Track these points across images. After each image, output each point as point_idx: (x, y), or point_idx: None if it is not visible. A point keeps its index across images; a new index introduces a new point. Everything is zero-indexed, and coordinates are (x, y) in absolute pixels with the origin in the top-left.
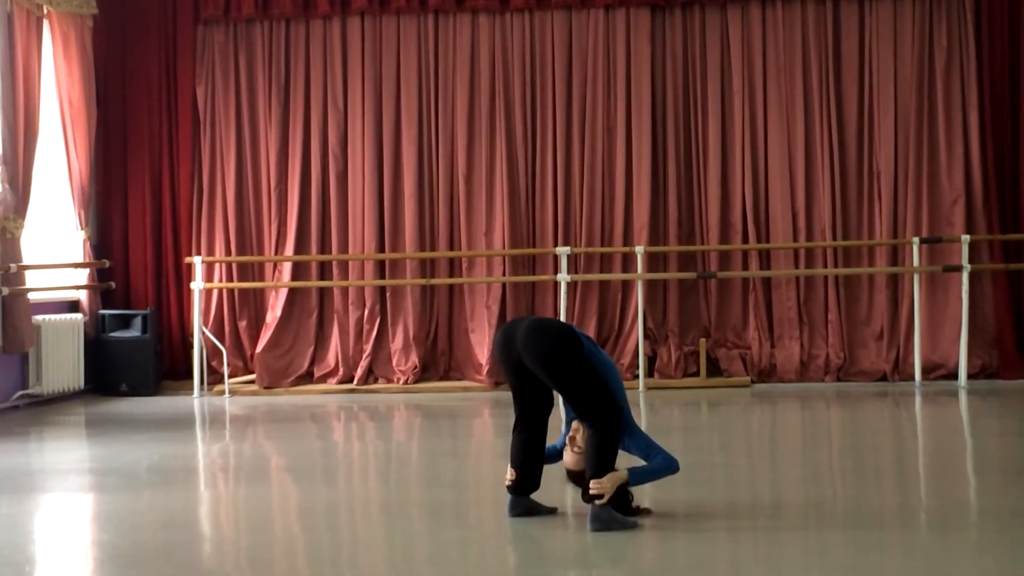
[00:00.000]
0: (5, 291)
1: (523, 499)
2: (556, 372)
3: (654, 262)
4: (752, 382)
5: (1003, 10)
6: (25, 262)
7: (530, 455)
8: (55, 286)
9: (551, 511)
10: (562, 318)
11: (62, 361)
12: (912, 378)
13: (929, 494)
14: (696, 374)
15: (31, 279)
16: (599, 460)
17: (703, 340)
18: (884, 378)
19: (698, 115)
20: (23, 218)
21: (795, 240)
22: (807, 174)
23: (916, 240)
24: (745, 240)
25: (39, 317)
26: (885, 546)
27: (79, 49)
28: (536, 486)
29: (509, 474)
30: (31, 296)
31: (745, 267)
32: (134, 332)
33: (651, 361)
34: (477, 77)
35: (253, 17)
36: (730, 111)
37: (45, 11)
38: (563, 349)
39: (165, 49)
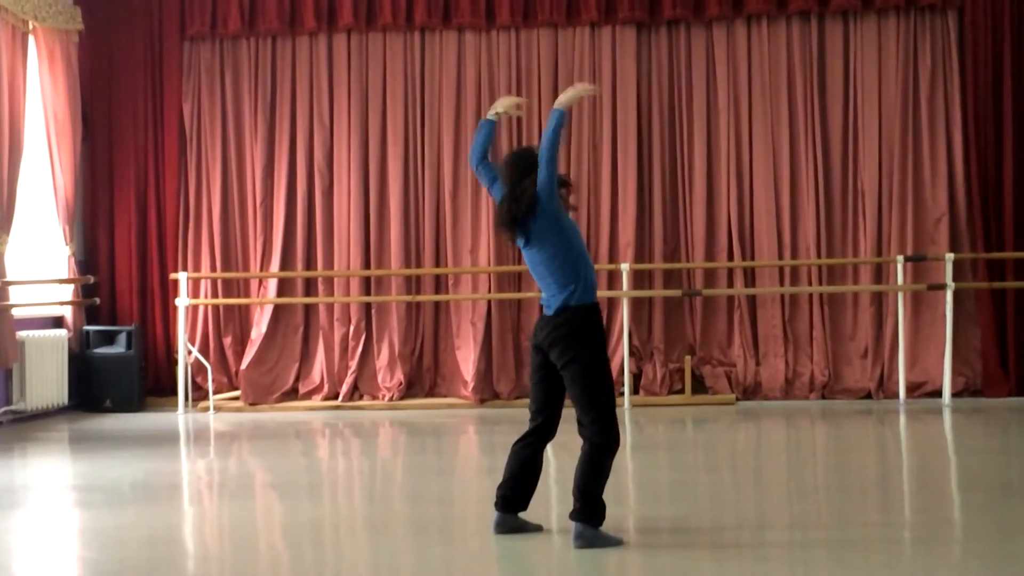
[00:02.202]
0: None
1: (510, 517)
2: (569, 349)
3: (639, 279)
4: (737, 399)
5: (986, 29)
6: (9, 278)
7: (527, 473)
8: (40, 302)
9: (537, 528)
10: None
11: (46, 377)
12: (896, 396)
13: (913, 511)
14: (681, 391)
15: (15, 295)
16: (585, 480)
17: (688, 357)
18: (869, 396)
19: (683, 133)
20: (7, 233)
21: (780, 258)
22: (792, 192)
23: (900, 258)
24: (730, 258)
25: (23, 333)
26: (869, 564)
27: (65, 64)
28: (525, 506)
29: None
30: (15, 312)
31: (730, 285)
32: (119, 348)
33: (636, 378)
34: (463, 94)
35: (239, 34)
36: (715, 129)
37: (31, 26)
38: (584, 328)
39: (151, 65)
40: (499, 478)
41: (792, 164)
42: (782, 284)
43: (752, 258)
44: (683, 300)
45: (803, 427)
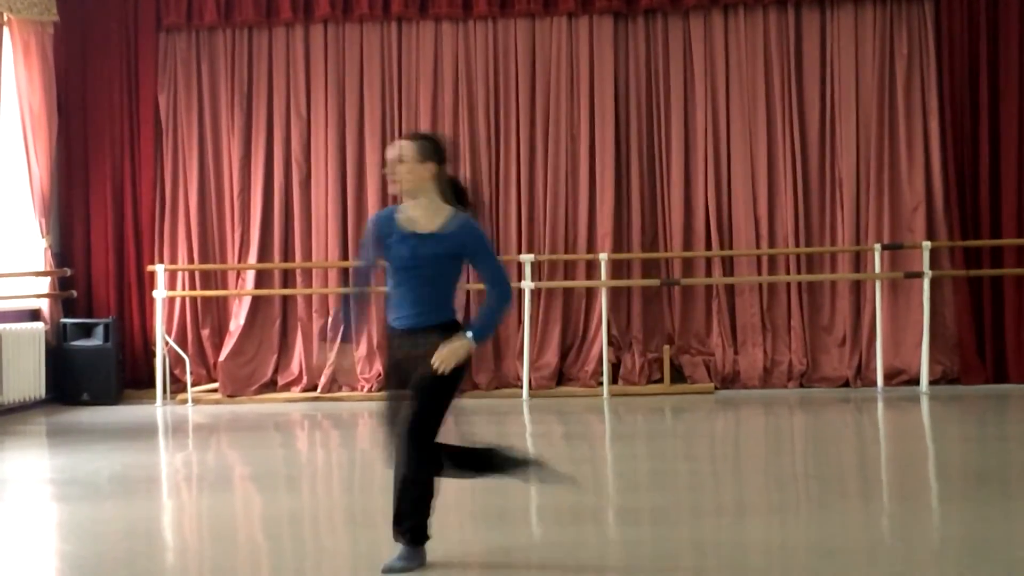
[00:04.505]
0: None
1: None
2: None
3: (618, 269)
4: (716, 388)
5: (962, 18)
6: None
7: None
8: (16, 295)
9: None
10: (526, 326)
11: (23, 370)
12: (874, 384)
13: (891, 498)
14: (660, 381)
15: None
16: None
17: (667, 347)
18: (847, 384)
19: (661, 122)
20: None
21: (758, 247)
22: (770, 181)
23: (878, 247)
24: (708, 247)
25: (0, 326)
26: (848, 550)
27: (40, 56)
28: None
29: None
30: None
31: (708, 274)
32: (96, 341)
33: (615, 368)
34: (440, 84)
35: (215, 25)
36: (693, 118)
37: (5, 18)
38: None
39: (127, 56)
40: None
41: (770, 153)
42: (760, 273)
43: (730, 247)
44: (661, 289)
45: (781, 415)
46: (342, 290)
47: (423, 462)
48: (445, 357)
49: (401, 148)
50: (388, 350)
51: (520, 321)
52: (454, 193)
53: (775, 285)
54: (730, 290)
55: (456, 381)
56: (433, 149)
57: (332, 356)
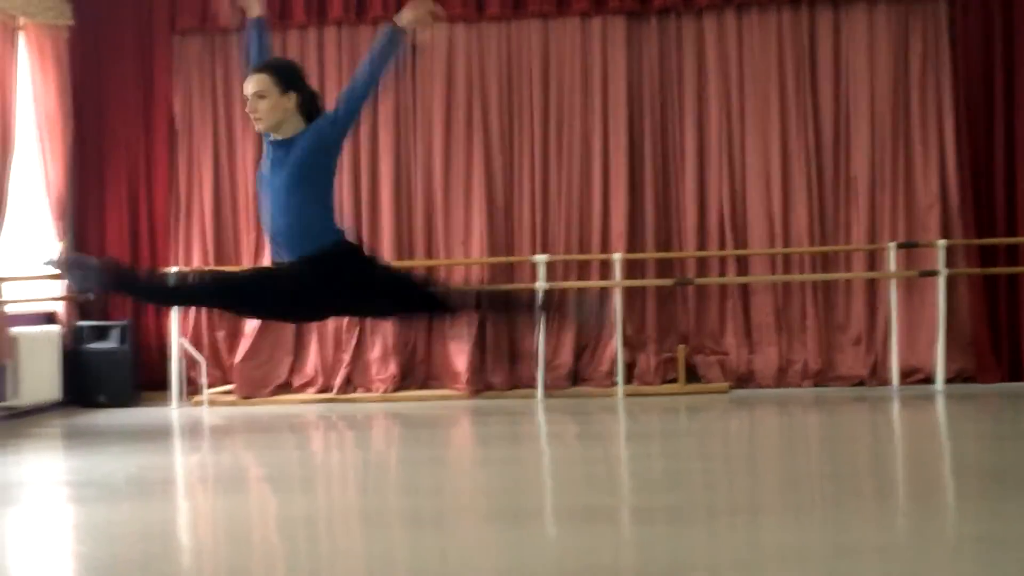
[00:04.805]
0: None
1: None
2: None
3: (632, 269)
4: (730, 388)
5: (977, 17)
6: (1, 274)
7: None
8: (32, 298)
9: None
10: (541, 326)
11: (39, 373)
12: (889, 383)
13: (907, 497)
14: (675, 380)
15: (7, 291)
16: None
17: (681, 347)
18: (862, 383)
19: (675, 121)
20: None
21: (772, 246)
22: (784, 180)
23: (893, 245)
24: (722, 246)
25: (16, 329)
26: (863, 549)
27: (55, 60)
28: None
29: None
30: (7, 308)
31: (723, 273)
32: (112, 343)
33: (630, 368)
34: (453, 85)
35: (229, 27)
36: (707, 117)
37: (20, 22)
38: None
39: (141, 60)
40: (494, 469)
41: (784, 152)
42: (774, 272)
43: (744, 246)
44: (676, 289)
45: (796, 415)
46: None
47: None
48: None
49: (259, 81)
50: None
51: (535, 323)
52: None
53: (790, 284)
54: (744, 289)
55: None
56: (294, 75)
57: None
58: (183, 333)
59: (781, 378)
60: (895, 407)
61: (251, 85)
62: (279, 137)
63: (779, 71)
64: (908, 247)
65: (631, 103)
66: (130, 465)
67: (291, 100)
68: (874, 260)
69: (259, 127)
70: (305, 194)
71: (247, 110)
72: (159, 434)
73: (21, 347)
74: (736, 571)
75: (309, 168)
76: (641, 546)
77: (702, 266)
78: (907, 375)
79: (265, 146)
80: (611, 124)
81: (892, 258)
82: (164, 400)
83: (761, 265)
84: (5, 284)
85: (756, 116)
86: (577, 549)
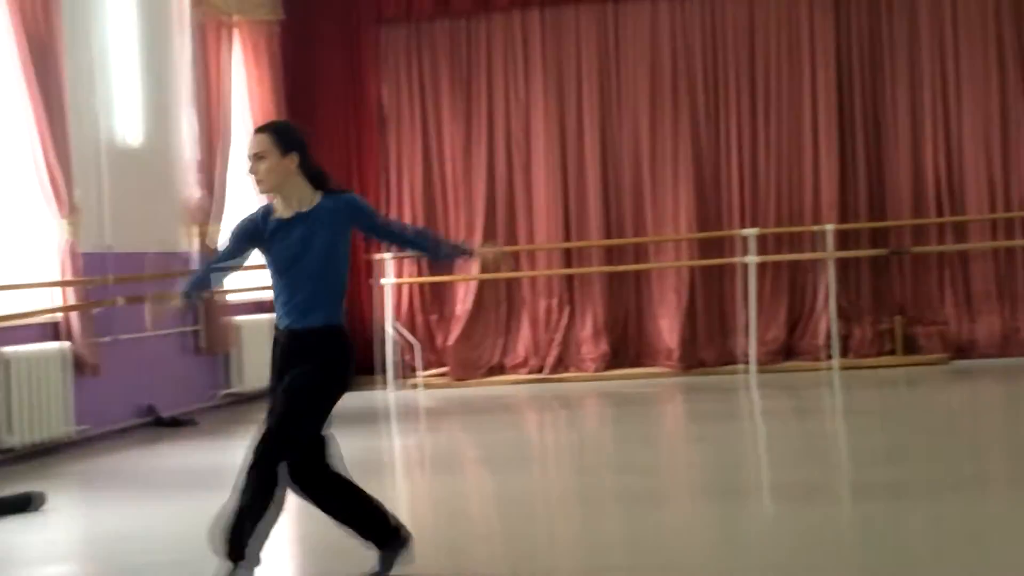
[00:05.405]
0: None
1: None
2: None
3: (844, 240)
4: (950, 359)
5: None
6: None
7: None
8: (252, 287)
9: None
10: (752, 300)
11: (261, 360)
12: None
13: None
14: (892, 352)
15: (230, 282)
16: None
17: (898, 317)
18: None
19: (885, 86)
20: (219, 223)
21: (992, 211)
22: (1003, 142)
23: None
24: (939, 213)
25: (237, 318)
26: None
27: (267, 55)
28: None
29: None
30: (229, 298)
31: (940, 241)
32: None
33: (844, 341)
34: (657, 62)
35: (433, 15)
36: (919, 81)
37: (234, 20)
38: None
39: (348, 51)
40: (708, 446)
41: (1003, 113)
42: (995, 238)
43: (962, 213)
44: (891, 259)
45: (1021, 385)
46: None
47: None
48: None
49: (259, 143)
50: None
51: (745, 296)
52: (321, 181)
53: (1012, 250)
54: (963, 257)
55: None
56: (293, 137)
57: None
58: (396, 317)
59: (1005, 347)
60: None
61: (251, 146)
62: (292, 211)
63: (996, 24)
64: None
65: (839, 69)
66: (350, 448)
67: (292, 161)
68: None
69: (259, 189)
70: (340, 261)
71: (247, 171)
72: (377, 417)
73: (243, 335)
74: (962, 546)
75: (343, 235)
76: (863, 522)
77: (918, 234)
78: None
79: (274, 227)
80: (819, 93)
81: None
82: (380, 384)
83: (980, 232)
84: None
85: (971, 73)
86: (796, 525)
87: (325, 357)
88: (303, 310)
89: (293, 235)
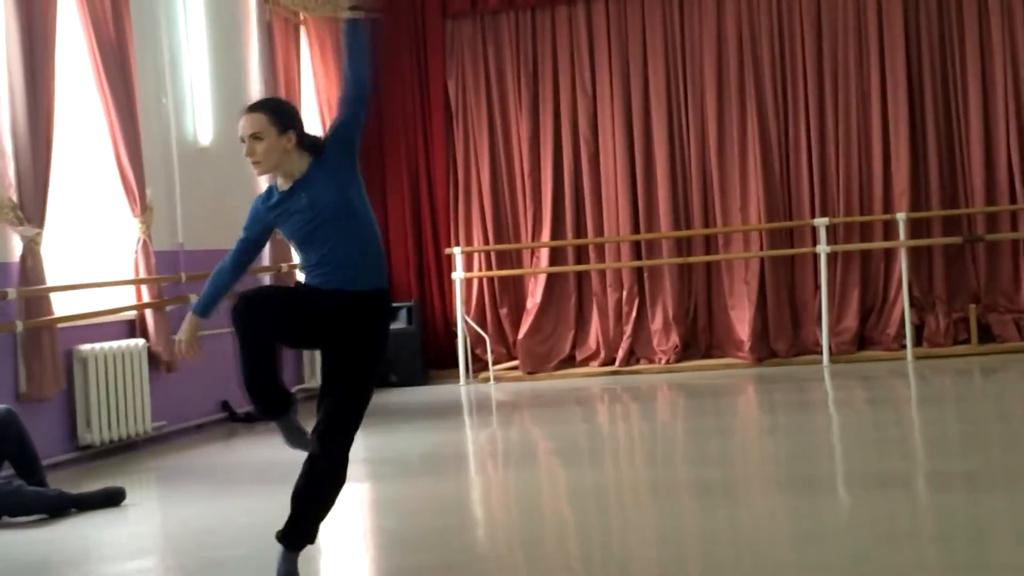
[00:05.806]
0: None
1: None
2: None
3: (917, 228)
4: None
5: None
6: (295, 261)
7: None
8: None
9: None
10: (823, 290)
11: None
12: None
13: None
14: (967, 341)
15: (300, 276)
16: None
17: (973, 306)
18: None
19: (956, 70)
20: None
21: None
22: None
23: None
24: (1013, 200)
25: None
26: None
27: (335, 51)
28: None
29: None
30: None
31: (1015, 228)
32: (400, 324)
33: (919, 330)
34: (724, 51)
35: (499, 8)
36: (991, 66)
37: (302, 17)
38: None
39: (415, 45)
40: (782, 437)
41: None
42: None
43: None
44: (964, 247)
45: None
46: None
47: None
48: None
49: (254, 122)
50: None
51: (817, 286)
52: (319, 150)
53: None
54: None
55: None
56: (289, 114)
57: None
58: (467, 311)
59: None
60: None
61: (246, 126)
62: (289, 182)
63: None
64: None
65: (909, 55)
66: (424, 442)
67: (290, 140)
68: None
69: (258, 170)
70: (360, 211)
71: (244, 153)
72: (449, 411)
73: None
74: None
75: (349, 180)
76: (940, 512)
77: (992, 221)
78: None
79: (276, 201)
80: (889, 80)
81: None
82: (452, 378)
83: None
84: (298, 271)
85: None
86: (873, 516)
87: (380, 328)
88: (348, 273)
89: (301, 203)
